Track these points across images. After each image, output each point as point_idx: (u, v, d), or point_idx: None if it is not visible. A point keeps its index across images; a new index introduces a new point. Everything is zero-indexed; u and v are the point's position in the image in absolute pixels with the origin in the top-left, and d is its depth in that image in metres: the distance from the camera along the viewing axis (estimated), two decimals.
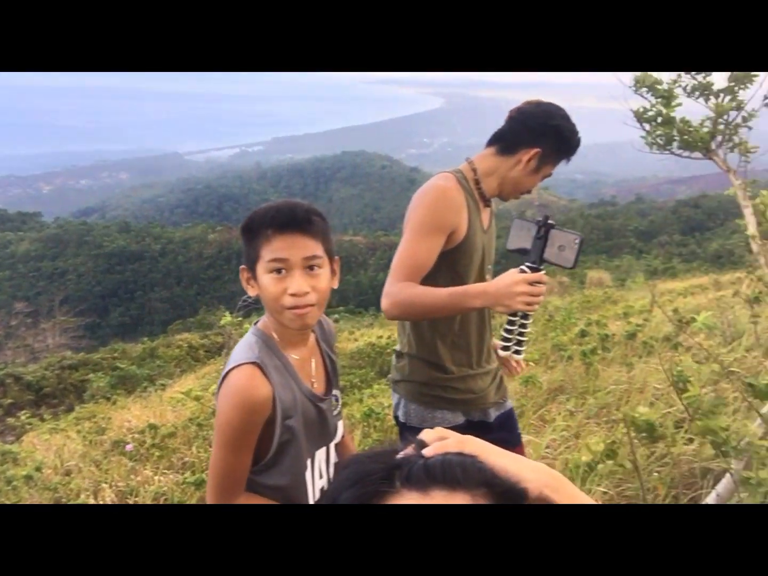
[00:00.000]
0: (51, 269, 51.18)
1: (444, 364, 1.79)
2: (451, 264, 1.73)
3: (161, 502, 3.92)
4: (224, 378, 1.29)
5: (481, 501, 0.54)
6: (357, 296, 38.24)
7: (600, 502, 2.58)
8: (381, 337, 10.92)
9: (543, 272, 1.50)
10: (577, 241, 1.46)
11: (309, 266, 1.25)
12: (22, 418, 8.21)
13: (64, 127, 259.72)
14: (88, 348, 21.61)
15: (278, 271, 1.23)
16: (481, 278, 1.82)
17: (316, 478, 1.40)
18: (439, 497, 0.54)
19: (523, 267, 1.50)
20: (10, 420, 8.63)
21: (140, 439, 5.38)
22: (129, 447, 4.89)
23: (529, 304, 1.45)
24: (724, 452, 1.86)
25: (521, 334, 1.60)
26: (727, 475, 2.24)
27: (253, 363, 1.26)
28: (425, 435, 0.64)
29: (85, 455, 5.19)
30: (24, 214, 62.05)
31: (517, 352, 1.64)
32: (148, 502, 3.86)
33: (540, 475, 0.63)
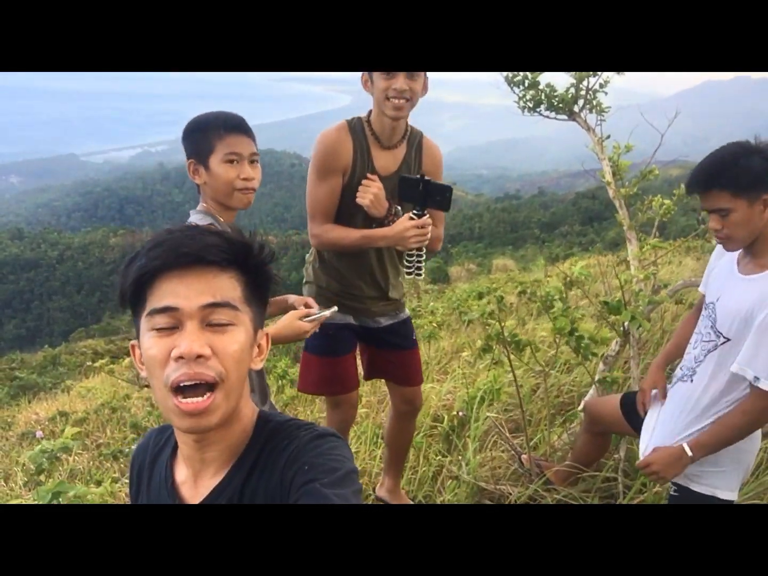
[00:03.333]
0: None
1: (339, 279, 2.19)
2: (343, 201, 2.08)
3: (77, 480, 3.93)
4: None
5: None
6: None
7: (487, 427, 2.89)
8: None
9: (426, 216, 1.92)
10: (448, 192, 1.90)
11: (252, 160, 1.62)
12: None
13: None
14: None
15: (231, 161, 1.58)
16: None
17: None
18: None
19: (410, 214, 1.92)
20: None
21: (50, 427, 5.29)
22: (39, 434, 4.80)
23: (419, 241, 1.93)
24: (584, 355, 2.19)
25: (419, 260, 2.04)
26: (593, 385, 2.60)
27: None
28: None
29: None
30: None
31: (418, 274, 2.07)
32: (64, 478, 3.86)
33: None
